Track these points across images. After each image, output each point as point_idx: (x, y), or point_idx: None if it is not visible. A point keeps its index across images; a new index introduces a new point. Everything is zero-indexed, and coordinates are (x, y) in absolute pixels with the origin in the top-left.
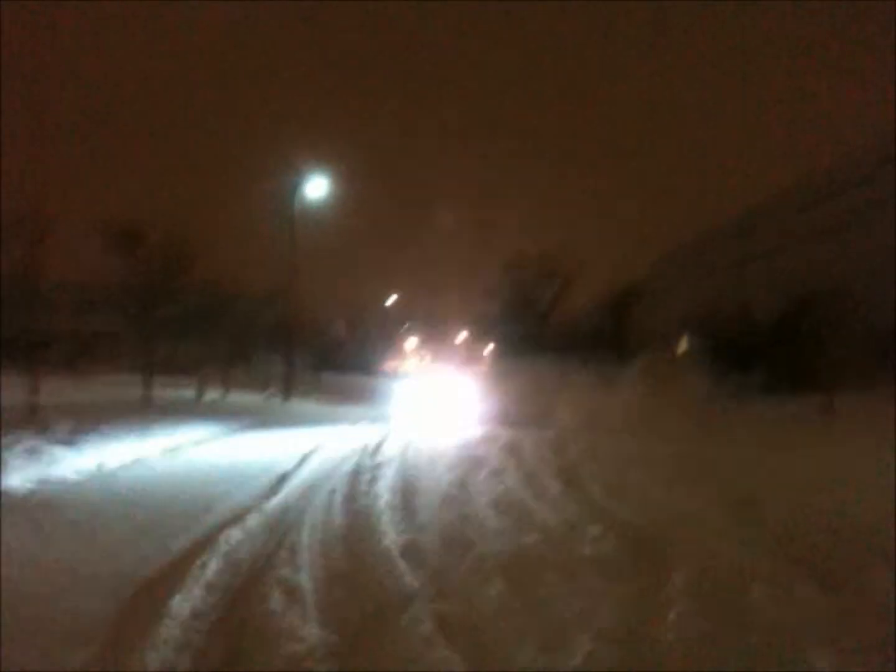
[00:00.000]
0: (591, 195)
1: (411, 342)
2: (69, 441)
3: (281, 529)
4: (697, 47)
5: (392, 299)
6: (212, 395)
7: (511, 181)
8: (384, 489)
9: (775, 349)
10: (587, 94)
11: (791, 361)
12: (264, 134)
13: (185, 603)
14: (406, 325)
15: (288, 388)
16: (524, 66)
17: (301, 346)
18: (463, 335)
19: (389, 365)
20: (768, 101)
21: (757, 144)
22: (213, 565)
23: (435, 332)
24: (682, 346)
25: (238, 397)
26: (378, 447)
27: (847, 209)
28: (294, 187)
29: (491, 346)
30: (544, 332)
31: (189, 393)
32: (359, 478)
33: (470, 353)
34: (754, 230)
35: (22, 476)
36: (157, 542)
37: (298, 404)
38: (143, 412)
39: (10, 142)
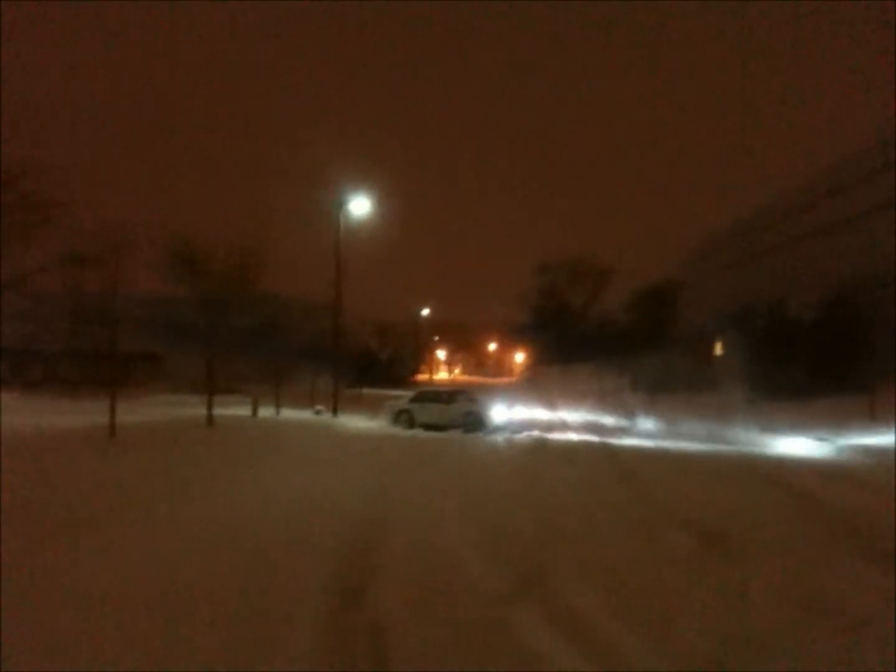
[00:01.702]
0: (619, 195)
1: (442, 354)
2: None
3: None
4: (721, 42)
5: (424, 311)
6: (263, 412)
7: (540, 186)
8: None
9: (814, 346)
10: (611, 95)
11: (831, 359)
12: (312, 151)
13: None
14: (436, 338)
15: (336, 404)
16: (547, 69)
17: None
18: (494, 345)
19: (421, 377)
20: (795, 90)
21: (786, 133)
22: None
23: (466, 343)
24: (718, 348)
25: (289, 414)
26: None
27: (884, 192)
28: (340, 205)
29: (523, 354)
30: (577, 337)
31: (242, 411)
32: None
33: (501, 363)
34: (787, 218)
35: None
36: None
37: (348, 420)
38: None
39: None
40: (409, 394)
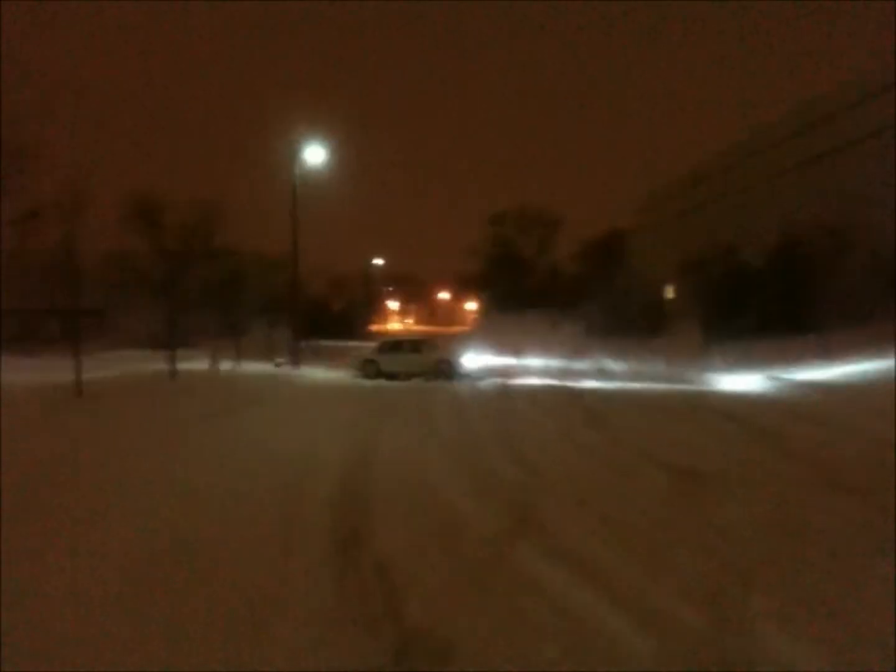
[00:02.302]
0: (573, 141)
1: (395, 304)
2: None
3: None
4: None
5: (377, 262)
6: (225, 366)
7: (492, 136)
8: None
9: (765, 290)
10: (561, 42)
11: (783, 301)
12: (268, 102)
13: None
14: (389, 288)
15: (296, 357)
16: (499, 18)
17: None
18: (446, 294)
19: (375, 328)
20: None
21: (741, 80)
22: None
23: (418, 293)
24: (669, 293)
25: (249, 367)
26: None
27: (838, 137)
28: (294, 155)
29: (475, 303)
30: (528, 285)
31: (201, 365)
32: None
33: (453, 313)
34: (741, 164)
35: None
36: None
37: (310, 371)
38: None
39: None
40: (366, 345)
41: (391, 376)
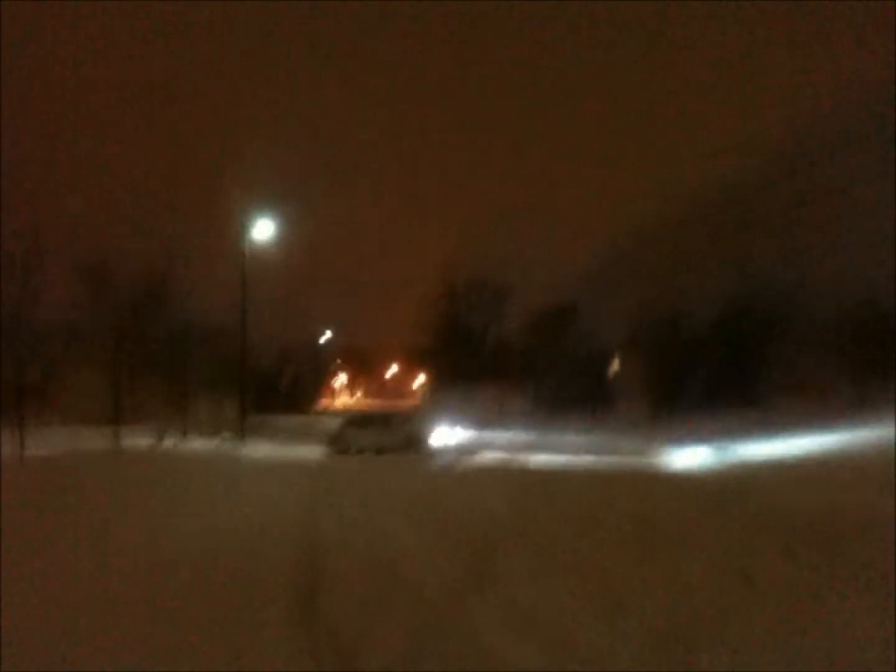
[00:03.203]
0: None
1: (342, 379)
2: None
3: None
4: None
5: (325, 335)
6: (168, 442)
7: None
8: None
9: (710, 361)
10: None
11: (727, 372)
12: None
13: None
14: (337, 362)
15: (242, 433)
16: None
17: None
18: (394, 369)
19: (322, 403)
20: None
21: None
22: None
23: (366, 368)
24: (614, 366)
25: (193, 443)
26: None
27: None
28: (244, 229)
29: (423, 377)
30: (478, 358)
31: (144, 441)
32: None
33: (402, 386)
34: (684, 231)
35: None
36: None
37: (255, 449)
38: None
39: None
40: (316, 420)
41: (363, 451)
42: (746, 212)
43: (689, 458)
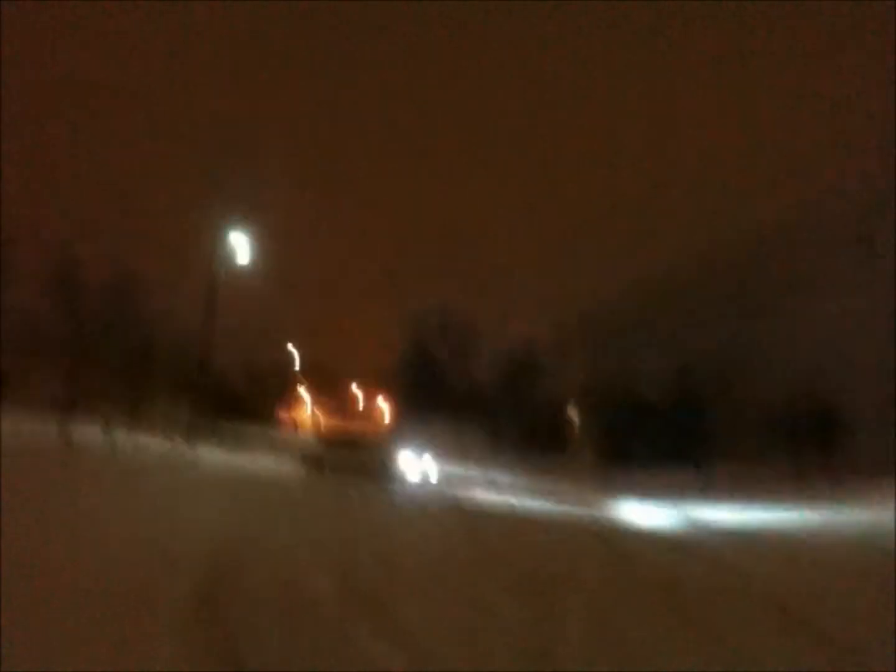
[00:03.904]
0: (493, 248)
1: (305, 393)
2: None
3: None
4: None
5: (290, 350)
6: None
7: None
8: None
9: (657, 421)
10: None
11: (671, 433)
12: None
13: None
14: (300, 376)
15: (195, 437)
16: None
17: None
18: (356, 389)
19: (283, 415)
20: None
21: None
22: None
23: (329, 385)
24: (573, 414)
25: (146, 443)
26: None
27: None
28: (216, 241)
29: (382, 399)
30: (443, 391)
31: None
32: None
33: (363, 407)
34: (647, 301)
35: None
36: None
37: (209, 454)
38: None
39: None
40: (272, 431)
41: (338, 471)
42: (697, 296)
43: (644, 514)
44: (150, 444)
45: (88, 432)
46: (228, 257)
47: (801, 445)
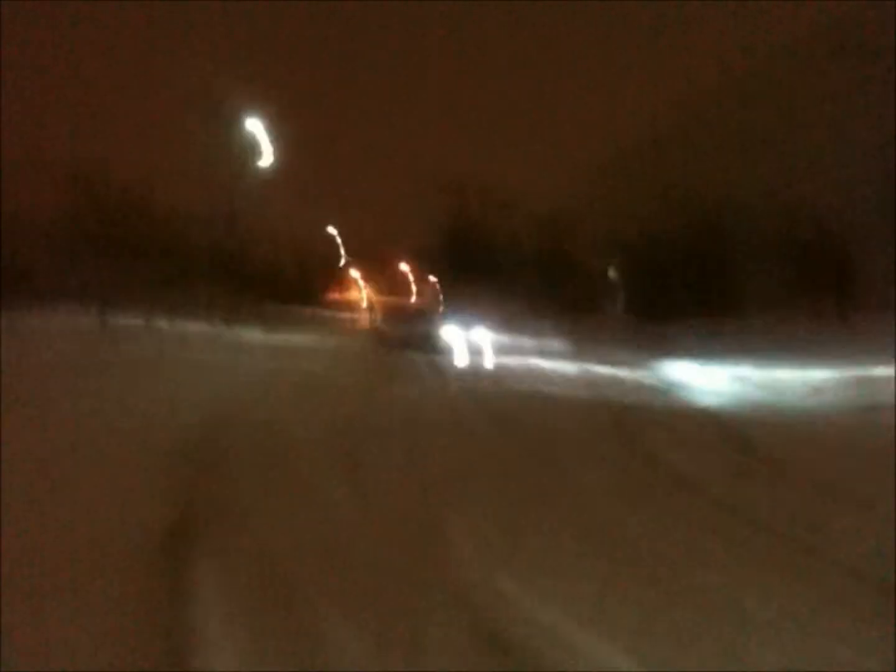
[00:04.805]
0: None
1: (355, 272)
2: None
3: None
4: None
5: (331, 230)
6: (160, 323)
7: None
8: None
9: (684, 272)
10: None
11: (699, 283)
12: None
13: None
14: (345, 257)
15: (233, 318)
16: None
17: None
18: (404, 267)
19: (332, 296)
20: None
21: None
22: None
23: (377, 264)
24: (611, 274)
25: (184, 326)
26: None
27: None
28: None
29: (432, 278)
30: (484, 259)
31: (136, 322)
32: None
33: (413, 283)
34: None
35: None
36: None
37: (248, 334)
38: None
39: None
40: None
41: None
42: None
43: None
44: (189, 328)
45: (127, 319)
46: (253, 146)
47: (818, 291)
